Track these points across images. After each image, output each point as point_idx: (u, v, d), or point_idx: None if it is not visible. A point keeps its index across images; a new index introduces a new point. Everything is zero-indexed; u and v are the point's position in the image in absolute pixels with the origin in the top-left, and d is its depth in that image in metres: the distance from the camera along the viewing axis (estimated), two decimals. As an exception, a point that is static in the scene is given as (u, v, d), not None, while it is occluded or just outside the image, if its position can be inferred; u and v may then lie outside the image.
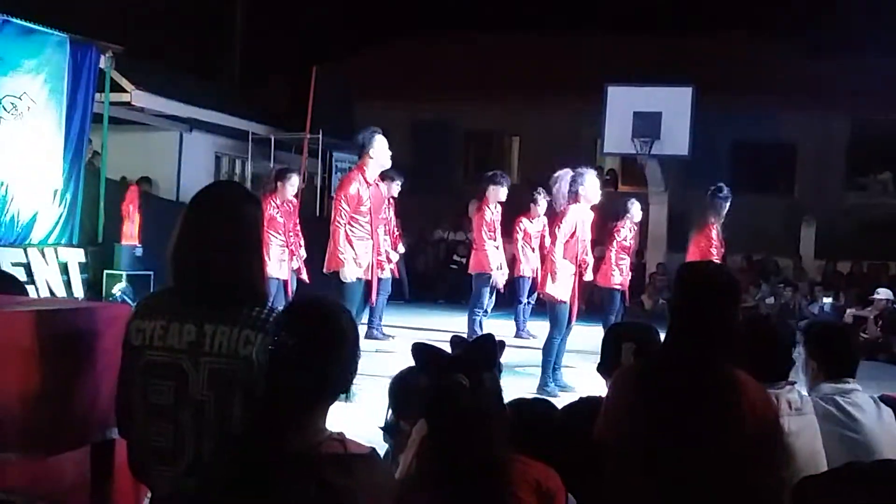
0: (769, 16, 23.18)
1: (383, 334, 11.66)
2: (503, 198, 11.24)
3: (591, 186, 8.57)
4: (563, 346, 8.77)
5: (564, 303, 8.46)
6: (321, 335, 2.31)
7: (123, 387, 2.76)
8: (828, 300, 16.20)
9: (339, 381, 2.35)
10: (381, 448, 3.43)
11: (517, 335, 12.24)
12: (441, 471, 2.57)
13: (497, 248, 11.23)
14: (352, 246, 7.94)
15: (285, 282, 9.98)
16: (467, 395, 2.53)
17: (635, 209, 11.37)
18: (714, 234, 9.76)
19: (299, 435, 2.24)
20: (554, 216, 9.22)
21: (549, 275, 8.51)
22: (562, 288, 8.45)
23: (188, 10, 23.23)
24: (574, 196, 8.56)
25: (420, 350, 2.73)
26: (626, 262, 11.17)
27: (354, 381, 2.44)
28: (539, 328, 12.49)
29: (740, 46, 22.20)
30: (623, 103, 16.98)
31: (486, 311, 11.18)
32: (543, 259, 9.47)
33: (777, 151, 21.73)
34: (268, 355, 2.39)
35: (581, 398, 3.78)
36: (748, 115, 20.10)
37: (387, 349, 10.61)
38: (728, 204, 9.89)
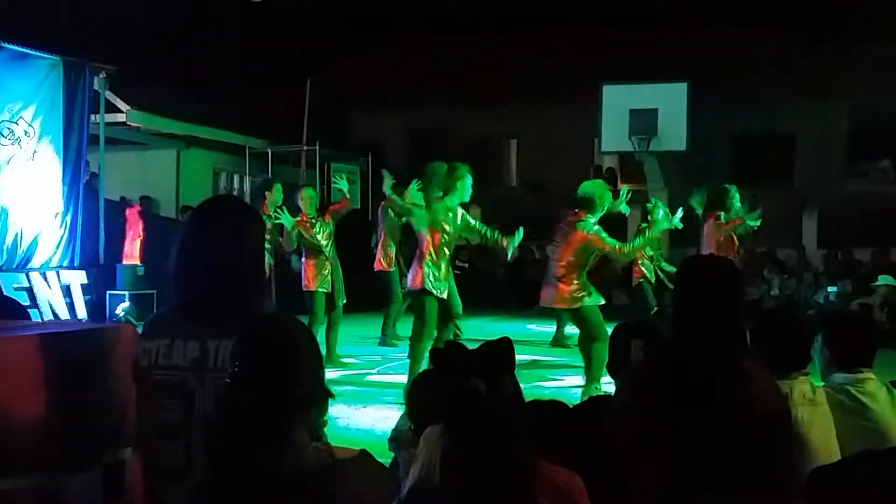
0: (763, 6, 23.16)
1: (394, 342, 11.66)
2: None
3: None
4: None
5: None
6: (277, 357, 2.28)
7: (137, 408, 2.76)
8: (832, 289, 16.17)
9: (306, 396, 2.32)
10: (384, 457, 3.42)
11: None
12: (462, 478, 2.55)
13: None
14: None
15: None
16: (485, 399, 2.52)
17: None
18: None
19: (281, 455, 2.22)
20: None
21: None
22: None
23: (180, 27, 23.26)
24: None
25: (438, 355, 2.72)
26: None
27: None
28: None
29: (736, 38, 22.20)
30: (619, 101, 17.01)
31: None
32: None
33: (776, 142, 21.72)
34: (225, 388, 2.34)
35: (591, 397, 3.77)
36: (746, 107, 20.08)
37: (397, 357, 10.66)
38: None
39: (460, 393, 2.55)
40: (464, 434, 2.53)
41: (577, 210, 8.03)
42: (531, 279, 18.65)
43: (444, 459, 2.58)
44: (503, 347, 2.66)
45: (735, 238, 10.28)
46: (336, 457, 2.28)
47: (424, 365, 7.53)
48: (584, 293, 8.01)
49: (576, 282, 8.00)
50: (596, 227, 7.99)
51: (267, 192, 10.58)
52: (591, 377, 7.84)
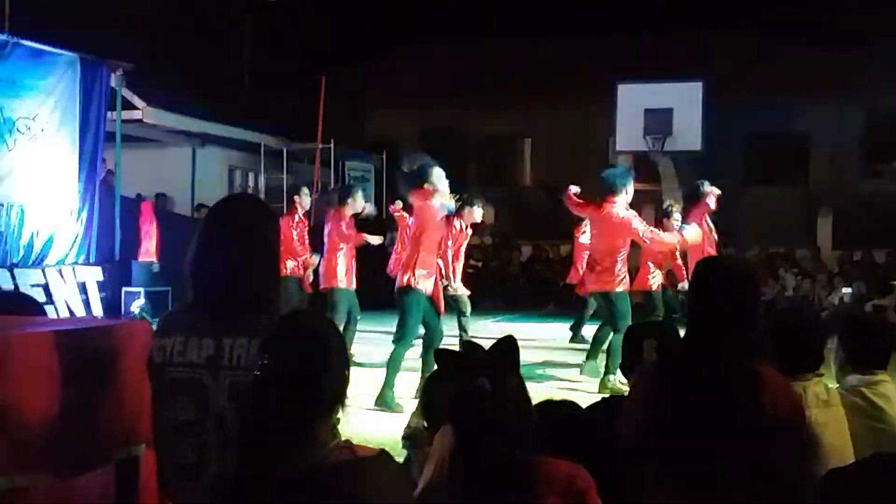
0: (778, 6, 23.09)
1: None
2: None
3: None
4: None
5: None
6: (306, 354, 2.29)
7: (152, 404, 2.77)
8: (847, 290, 16.11)
9: (332, 394, 2.32)
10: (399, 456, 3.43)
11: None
12: (467, 476, 2.56)
13: None
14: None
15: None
16: (490, 398, 2.53)
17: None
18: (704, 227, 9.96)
19: (304, 452, 2.23)
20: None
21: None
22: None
23: (195, 24, 23.33)
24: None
25: (443, 356, 2.72)
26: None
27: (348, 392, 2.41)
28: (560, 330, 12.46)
29: (751, 38, 22.12)
30: (634, 101, 16.97)
31: None
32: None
33: (791, 142, 21.64)
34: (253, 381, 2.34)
35: (604, 398, 3.77)
36: (761, 107, 20.00)
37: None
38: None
39: (465, 392, 2.56)
40: (469, 433, 2.54)
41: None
42: (544, 278, 18.71)
43: (451, 456, 2.60)
44: (507, 346, 2.66)
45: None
46: (358, 455, 2.29)
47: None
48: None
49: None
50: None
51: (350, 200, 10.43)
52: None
